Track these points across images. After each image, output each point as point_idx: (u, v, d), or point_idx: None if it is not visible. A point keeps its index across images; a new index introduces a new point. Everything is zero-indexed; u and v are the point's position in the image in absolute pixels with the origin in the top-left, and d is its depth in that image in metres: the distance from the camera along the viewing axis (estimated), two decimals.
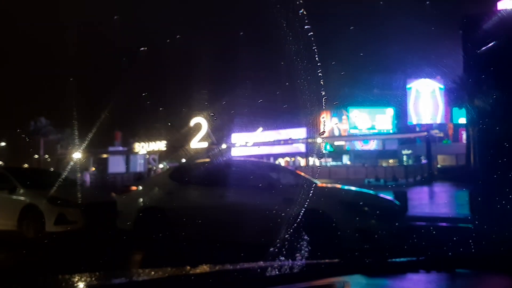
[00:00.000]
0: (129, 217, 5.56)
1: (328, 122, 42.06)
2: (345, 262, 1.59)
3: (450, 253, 1.63)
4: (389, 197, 6.05)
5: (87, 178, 25.81)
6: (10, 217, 6.45)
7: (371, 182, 21.83)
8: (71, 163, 29.67)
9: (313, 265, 1.65)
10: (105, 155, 37.90)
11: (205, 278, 1.36)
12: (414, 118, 42.02)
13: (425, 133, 28.13)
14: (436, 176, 24.66)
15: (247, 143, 32.70)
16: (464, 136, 31.00)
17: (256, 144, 32.65)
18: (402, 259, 1.64)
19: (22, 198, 6.57)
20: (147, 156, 37.52)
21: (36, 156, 36.04)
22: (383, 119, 42.05)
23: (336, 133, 41.81)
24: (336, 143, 40.50)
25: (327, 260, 1.61)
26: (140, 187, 6.17)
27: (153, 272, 1.46)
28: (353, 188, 5.89)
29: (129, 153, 35.49)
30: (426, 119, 40.88)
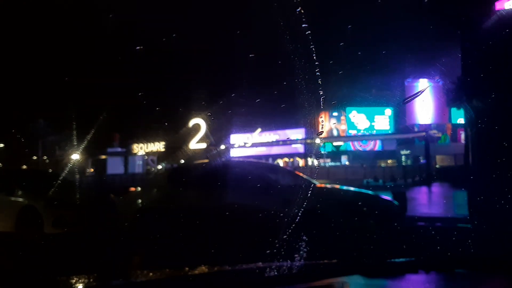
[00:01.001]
0: (128, 218, 5.56)
1: (326, 122, 42.14)
2: (344, 263, 1.58)
3: (449, 254, 1.63)
4: (387, 197, 6.05)
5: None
6: (8, 219, 6.42)
7: (370, 182, 21.86)
8: (70, 164, 29.60)
9: (312, 266, 1.65)
10: (103, 157, 37.88)
11: (203, 279, 1.36)
12: (412, 119, 42.13)
13: (424, 134, 28.19)
14: (434, 177, 24.71)
15: (245, 144, 32.70)
16: (462, 136, 31.09)
17: (254, 145, 32.66)
18: (400, 260, 1.64)
19: (20, 199, 6.54)
20: (146, 157, 37.50)
21: (35, 157, 35.98)
22: (381, 120, 42.12)
23: (335, 133, 41.87)
24: (335, 143, 40.56)
25: (326, 261, 1.61)
26: (139, 188, 6.16)
27: (151, 274, 1.46)
28: (351, 188, 5.89)
29: (127, 154, 35.44)
30: (424, 120, 41.00)
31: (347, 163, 37.96)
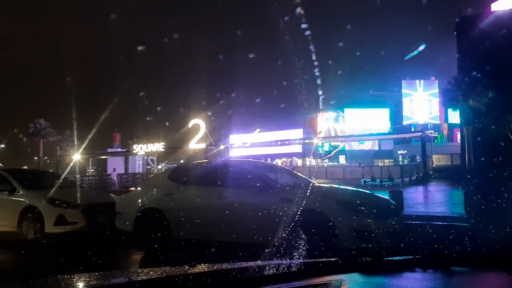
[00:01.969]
0: (128, 218, 5.56)
1: (324, 122, 42.22)
2: (342, 261, 1.60)
3: (445, 251, 1.65)
4: (385, 196, 6.08)
5: (114, 177, 25.67)
6: (10, 219, 6.45)
7: (367, 181, 21.91)
8: (71, 164, 29.53)
9: (311, 264, 1.66)
10: (104, 157, 37.84)
11: (203, 277, 1.37)
12: (409, 118, 42.26)
13: (420, 133, 28.29)
14: (431, 176, 24.82)
15: (244, 144, 32.72)
16: (458, 136, 31.24)
17: (253, 145, 32.68)
18: (398, 258, 1.66)
19: (21, 199, 6.56)
20: (146, 157, 37.45)
21: (36, 157, 35.89)
22: (378, 120, 42.25)
23: (333, 133, 41.95)
24: (333, 143, 40.65)
25: (324, 259, 1.62)
26: (139, 188, 6.16)
27: (151, 272, 1.47)
28: (349, 187, 5.91)
29: (128, 154, 35.41)
30: (421, 119, 41.16)
31: (344, 162, 38.08)
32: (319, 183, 5.92)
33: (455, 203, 10.09)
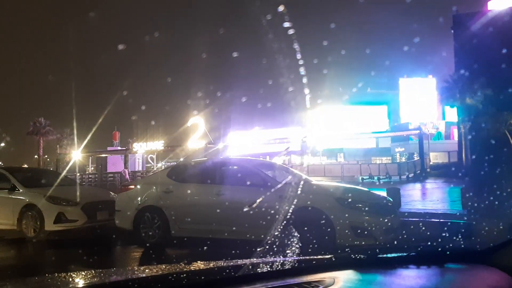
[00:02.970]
0: (127, 216, 5.57)
1: (322, 120, 42.28)
2: (337, 258, 1.61)
3: (439, 248, 1.66)
4: (382, 193, 6.12)
5: (127, 175, 25.72)
6: (10, 217, 6.46)
7: (365, 179, 21.99)
8: (70, 162, 29.45)
9: (305, 261, 1.68)
10: (104, 155, 37.79)
11: (198, 275, 1.38)
12: (406, 116, 42.34)
13: (417, 131, 28.38)
14: (428, 173, 24.92)
15: (243, 143, 32.75)
16: (456, 133, 31.34)
17: (251, 143, 32.71)
18: (392, 255, 1.68)
19: (21, 197, 6.56)
20: (146, 155, 37.42)
21: (36, 156, 35.83)
22: (376, 117, 42.32)
23: (331, 131, 41.98)
24: (331, 141, 40.70)
25: (319, 256, 1.64)
26: (138, 186, 6.17)
27: (148, 270, 1.48)
28: (346, 185, 5.93)
29: (127, 152, 35.40)
30: (418, 117, 41.25)
31: (342, 160, 38.16)
32: (316, 180, 5.94)
33: (453, 200, 10.15)
